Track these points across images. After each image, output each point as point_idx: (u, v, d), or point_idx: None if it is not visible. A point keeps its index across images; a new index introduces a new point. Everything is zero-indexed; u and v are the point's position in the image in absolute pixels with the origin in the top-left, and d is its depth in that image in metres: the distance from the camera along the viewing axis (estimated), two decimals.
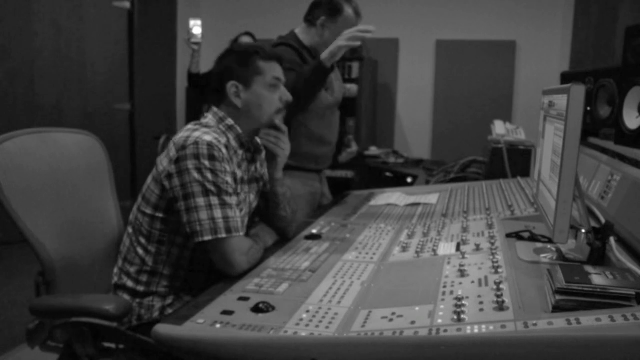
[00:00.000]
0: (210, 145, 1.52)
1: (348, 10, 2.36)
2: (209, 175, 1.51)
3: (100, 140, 1.91)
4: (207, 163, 1.51)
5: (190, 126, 1.63)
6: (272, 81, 1.68)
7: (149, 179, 1.65)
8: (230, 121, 1.67)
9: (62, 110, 4.47)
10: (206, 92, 1.74)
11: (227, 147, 1.61)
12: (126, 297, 1.63)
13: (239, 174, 1.67)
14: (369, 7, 5.23)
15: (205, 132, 1.57)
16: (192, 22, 4.15)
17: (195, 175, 1.50)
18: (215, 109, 1.70)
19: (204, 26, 5.28)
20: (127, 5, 4.60)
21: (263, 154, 1.83)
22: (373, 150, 4.94)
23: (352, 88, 4.73)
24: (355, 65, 4.73)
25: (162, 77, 5.03)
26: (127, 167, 4.73)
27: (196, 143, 1.52)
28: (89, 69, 4.63)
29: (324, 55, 2.14)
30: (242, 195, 1.69)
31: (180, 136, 1.57)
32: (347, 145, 2.63)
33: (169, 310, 1.60)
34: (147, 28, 4.73)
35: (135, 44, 4.68)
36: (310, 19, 2.42)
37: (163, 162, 1.58)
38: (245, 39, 4.27)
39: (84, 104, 4.60)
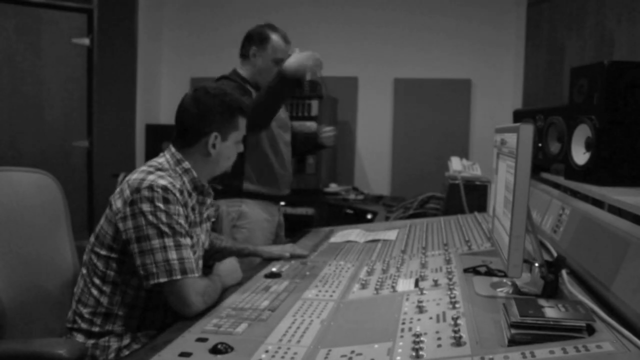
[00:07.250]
0: (165, 189, 1.53)
1: (275, 37, 2.53)
2: (163, 217, 1.51)
3: (57, 178, 1.87)
4: (161, 205, 1.51)
5: (144, 167, 1.63)
6: (240, 137, 1.77)
7: (102, 219, 1.63)
8: (187, 164, 1.68)
9: (19, 147, 4.37)
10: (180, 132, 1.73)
11: (181, 191, 1.61)
12: (80, 337, 1.58)
13: (192, 217, 1.67)
14: (329, 46, 5.35)
15: (160, 175, 1.57)
16: None
17: (150, 217, 1.50)
18: (173, 149, 1.70)
19: (165, 67, 5.28)
20: (87, 42, 4.58)
21: (211, 198, 1.85)
22: (333, 187, 4.96)
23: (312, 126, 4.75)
24: (315, 103, 4.78)
25: (121, 114, 4.98)
26: (84, 205, 4.64)
27: (150, 187, 1.52)
28: (46, 105, 4.55)
29: (287, 66, 2.29)
30: (195, 238, 1.68)
31: (134, 178, 1.56)
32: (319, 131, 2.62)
33: (125, 352, 1.56)
34: (107, 65, 4.70)
35: (94, 81, 4.64)
36: (244, 53, 2.58)
37: (117, 203, 1.57)
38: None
39: (41, 140, 4.51)
